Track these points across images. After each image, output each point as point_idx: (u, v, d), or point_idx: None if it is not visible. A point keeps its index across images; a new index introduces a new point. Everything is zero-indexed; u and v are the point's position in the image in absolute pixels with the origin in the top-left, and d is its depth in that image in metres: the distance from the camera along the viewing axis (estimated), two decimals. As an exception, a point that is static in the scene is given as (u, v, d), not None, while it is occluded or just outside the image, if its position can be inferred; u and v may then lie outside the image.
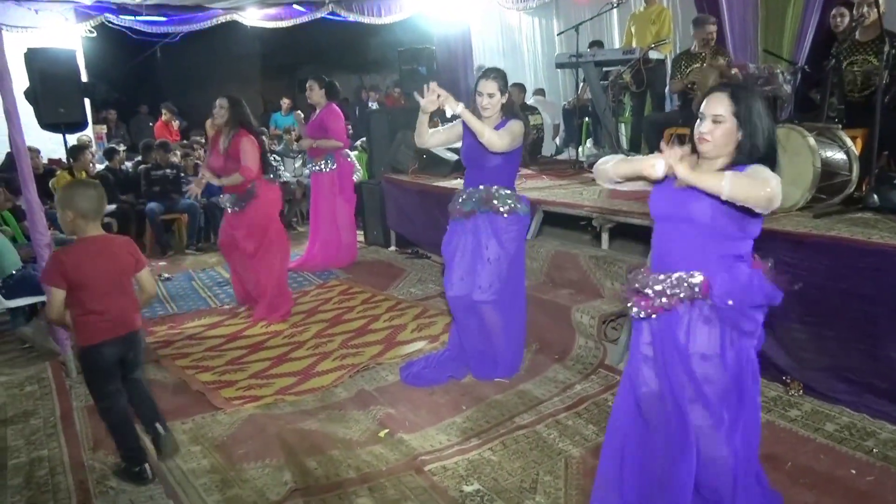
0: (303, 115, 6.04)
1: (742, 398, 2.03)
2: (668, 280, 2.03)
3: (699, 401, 2.01)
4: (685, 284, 2.00)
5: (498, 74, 3.33)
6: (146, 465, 2.79)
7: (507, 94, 3.33)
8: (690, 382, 2.02)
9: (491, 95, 3.27)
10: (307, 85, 5.83)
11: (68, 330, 3.08)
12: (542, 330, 4.00)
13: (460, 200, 3.44)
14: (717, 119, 1.98)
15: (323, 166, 5.90)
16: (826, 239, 3.13)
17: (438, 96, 3.22)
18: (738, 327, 2.01)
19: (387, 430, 3.09)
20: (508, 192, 3.37)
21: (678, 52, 6.92)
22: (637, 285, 2.11)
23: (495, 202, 3.32)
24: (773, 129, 1.99)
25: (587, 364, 3.68)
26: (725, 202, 1.89)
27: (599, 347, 3.74)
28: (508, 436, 3.00)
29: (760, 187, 1.83)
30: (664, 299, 2.03)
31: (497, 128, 3.28)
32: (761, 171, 1.91)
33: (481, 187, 3.36)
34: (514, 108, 3.42)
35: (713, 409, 2.01)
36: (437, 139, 3.54)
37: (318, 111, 5.91)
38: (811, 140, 3.55)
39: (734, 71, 4.89)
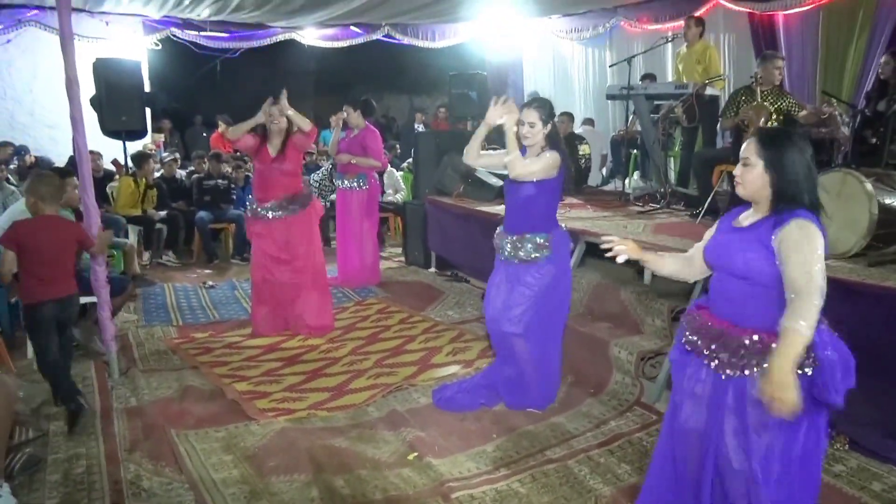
0: (344, 116, 6.06)
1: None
2: (751, 342, 1.93)
3: (747, 450, 1.94)
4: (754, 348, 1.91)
5: (541, 104, 3.34)
6: (80, 399, 3.34)
7: (549, 125, 3.31)
8: (744, 431, 1.94)
9: (532, 125, 3.28)
10: (343, 111, 5.96)
11: (12, 289, 3.84)
12: (578, 363, 3.95)
13: (497, 246, 3.49)
14: (745, 162, 2.00)
15: (355, 184, 5.98)
16: (880, 289, 3.02)
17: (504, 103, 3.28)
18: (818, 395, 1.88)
19: (416, 454, 3.07)
20: (534, 238, 3.33)
21: (733, 88, 6.84)
22: (698, 334, 2.05)
23: (520, 255, 3.35)
24: (809, 174, 1.93)
25: (623, 401, 3.60)
26: (766, 254, 1.88)
27: (636, 384, 3.66)
28: (538, 469, 2.95)
29: (812, 302, 1.78)
30: (739, 364, 1.95)
31: (537, 157, 3.30)
32: (794, 248, 1.83)
33: (514, 237, 3.37)
34: (557, 139, 3.39)
35: (760, 462, 1.92)
36: (484, 160, 3.58)
37: (356, 131, 6.02)
38: (868, 185, 3.45)
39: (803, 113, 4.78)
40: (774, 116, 4.77)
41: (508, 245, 3.41)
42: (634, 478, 2.85)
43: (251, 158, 4.83)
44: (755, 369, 1.92)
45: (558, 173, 3.32)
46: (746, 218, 2.06)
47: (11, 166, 7.51)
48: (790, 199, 1.92)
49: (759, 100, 4.84)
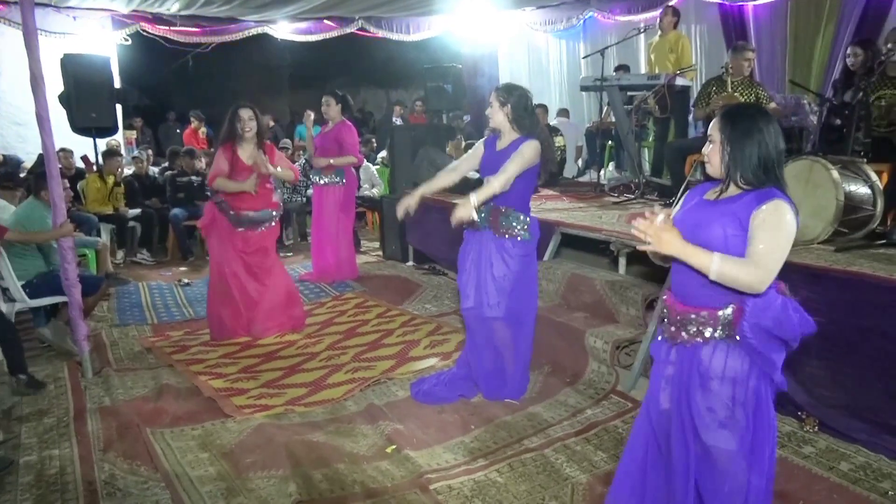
0: (312, 115, 6.07)
1: (759, 429, 2.00)
2: (698, 317, 1.99)
3: (723, 424, 1.98)
4: (717, 320, 1.97)
5: (501, 88, 3.37)
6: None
7: (508, 106, 3.29)
8: (710, 406, 1.98)
9: (490, 105, 3.34)
10: (323, 100, 5.91)
11: None
12: (555, 352, 3.98)
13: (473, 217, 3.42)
14: (711, 139, 2.02)
15: (332, 180, 5.94)
16: (847, 274, 3.09)
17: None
18: (763, 358, 1.95)
19: (394, 446, 3.08)
20: (517, 216, 3.35)
21: (705, 79, 6.92)
22: (665, 320, 2.09)
23: (502, 225, 3.34)
24: (770, 153, 1.93)
25: (599, 389, 3.64)
26: (743, 233, 1.90)
27: (612, 373, 3.71)
28: (516, 458, 2.98)
29: (751, 273, 1.83)
30: (695, 336, 2.00)
31: (510, 147, 3.29)
32: (770, 228, 1.86)
33: (491, 204, 3.35)
34: (532, 125, 3.35)
35: (736, 433, 1.97)
36: (460, 172, 3.56)
37: (331, 125, 5.98)
38: (835, 173, 3.51)
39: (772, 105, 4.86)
40: None
41: (483, 211, 3.34)
42: (610, 465, 2.88)
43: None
44: (707, 335, 1.98)
45: (540, 160, 3.32)
46: (715, 192, 2.06)
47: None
48: (753, 173, 1.93)
49: (730, 90, 4.91)
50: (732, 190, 2.00)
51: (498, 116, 3.33)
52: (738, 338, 1.95)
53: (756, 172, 1.93)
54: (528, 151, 3.25)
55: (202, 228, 4.72)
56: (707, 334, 1.99)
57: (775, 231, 1.87)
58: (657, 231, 1.90)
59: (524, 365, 3.61)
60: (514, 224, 3.34)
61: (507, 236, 3.35)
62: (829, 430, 3.04)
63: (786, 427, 3.10)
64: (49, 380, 3.91)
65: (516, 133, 3.34)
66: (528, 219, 3.38)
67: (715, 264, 1.85)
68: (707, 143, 2.04)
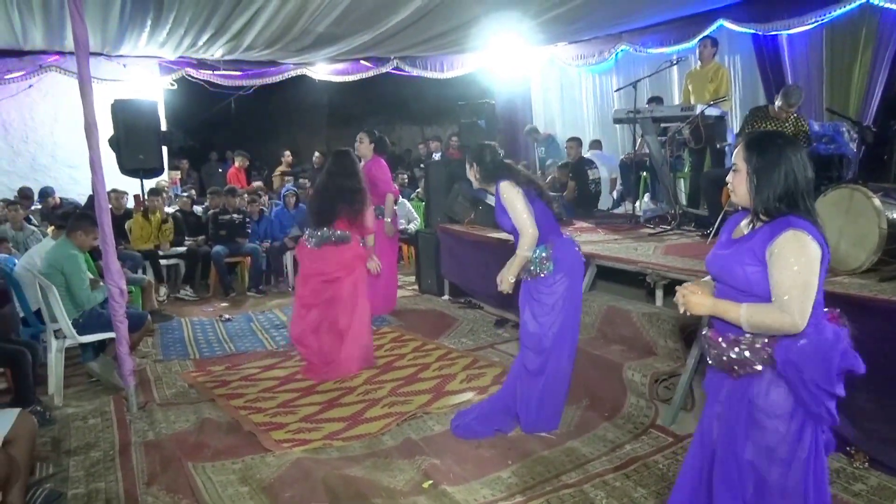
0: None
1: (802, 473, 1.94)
2: (741, 345, 1.96)
3: (771, 460, 1.94)
4: (756, 350, 1.94)
5: (469, 151, 3.71)
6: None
7: (474, 166, 3.56)
8: (750, 438, 1.95)
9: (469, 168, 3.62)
10: (357, 137, 6.00)
11: None
12: (592, 386, 3.94)
13: None
14: (735, 168, 2.01)
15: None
16: (892, 304, 3.00)
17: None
18: (804, 404, 1.90)
19: (431, 482, 3.07)
20: (540, 255, 3.41)
21: (738, 109, 6.88)
22: (712, 357, 2.07)
23: (531, 269, 3.44)
24: (796, 179, 1.90)
25: (638, 424, 3.58)
26: (762, 267, 1.89)
27: (651, 407, 3.65)
28: (554, 494, 2.94)
29: (778, 318, 1.83)
30: (744, 367, 1.98)
31: (497, 199, 3.46)
32: (783, 265, 1.84)
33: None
34: (495, 173, 3.49)
35: (784, 469, 1.93)
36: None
37: (363, 163, 6.09)
38: (876, 201, 3.45)
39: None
40: None
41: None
42: (651, 501, 2.83)
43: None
44: (758, 367, 1.94)
45: (524, 190, 3.40)
46: (745, 227, 2.05)
47: (34, 207, 7.72)
48: (776, 204, 1.90)
49: (773, 120, 4.93)
50: (757, 223, 1.98)
51: (471, 176, 3.63)
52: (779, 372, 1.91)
53: (778, 203, 1.90)
54: (509, 195, 3.39)
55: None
56: (759, 367, 1.94)
57: (789, 266, 1.83)
58: (686, 297, 2.00)
59: (563, 395, 3.59)
60: (539, 258, 3.42)
61: (531, 278, 3.46)
62: (880, 465, 2.94)
63: (835, 463, 3.00)
64: (96, 414, 4.03)
65: (492, 184, 3.52)
66: (546, 246, 3.42)
67: (743, 318, 1.88)
68: (731, 171, 2.03)
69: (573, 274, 3.49)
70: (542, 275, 3.41)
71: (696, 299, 1.98)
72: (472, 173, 3.60)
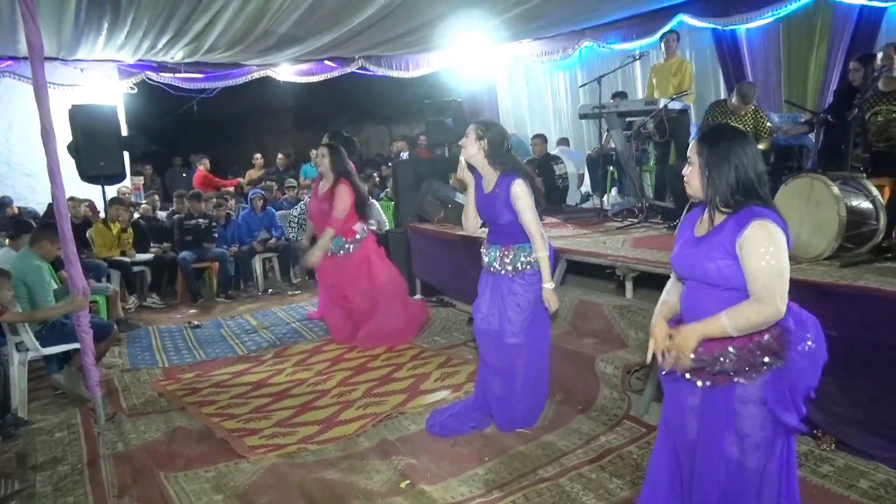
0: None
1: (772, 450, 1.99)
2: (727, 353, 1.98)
3: (757, 446, 1.98)
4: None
5: (481, 121, 3.45)
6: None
7: (484, 140, 3.33)
8: (743, 430, 1.99)
9: (466, 136, 3.39)
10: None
11: None
12: (566, 380, 3.97)
13: (485, 261, 3.55)
14: (690, 161, 2.06)
15: None
16: (854, 289, 3.08)
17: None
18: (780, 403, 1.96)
19: (408, 481, 3.06)
20: (523, 248, 3.40)
21: (697, 103, 6.99)
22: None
23: (510, 264, 3.41)
24: (748, 175, 1.95)
25: (612, 415, 3.62)
26: (734, 260, 1.92)
27: (624, 398, 3.69)
28: (531, 488, 2.95)
29: (760, 311, 1.88)
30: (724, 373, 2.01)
31: (499, 191, 3.34)
32: (756, 255, 1.87)
33: (499, 246, 3.44)
34: (503, 159, 3.37)
35: (765, 453, 1.98)
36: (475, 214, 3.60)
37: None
38: (835, 189, 3.53)
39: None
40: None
41: (498, 257, 3.44)
42: (627, 491, 2.86)
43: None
44: (736, 379, 1.97)
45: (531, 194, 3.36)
46: (703, 223, 2.08)
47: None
48: (731, 196, 1.95)
49: (734, 119, 5.04)
50: (717, 217, 2.02)
51: (472, 148, 3.36)
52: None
53: (735, 195, 1.95)
54: (524, 197, 3.30)
55: None
56: (736, 371, 1.98)
57: (761, 256, 1.87)
58: (671, 345, 2.00)
59: (540, 390, 3.61)
60: (522, 258, 3.40)
61: (514, 275, 3.42)
62: (846, 447, 3.01)
63: (802, 446, 3.07)
64: (62, 427, 3.93)
65: (493, 170, 3.37)
66: (528, 245, 3.40)
67: (728, 325, 1.90)
68: (686, 164, 2.07)
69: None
70: (526, 270, 3.40)
71: (681, 338, 1.98)
72: (475, 145, 3.34)
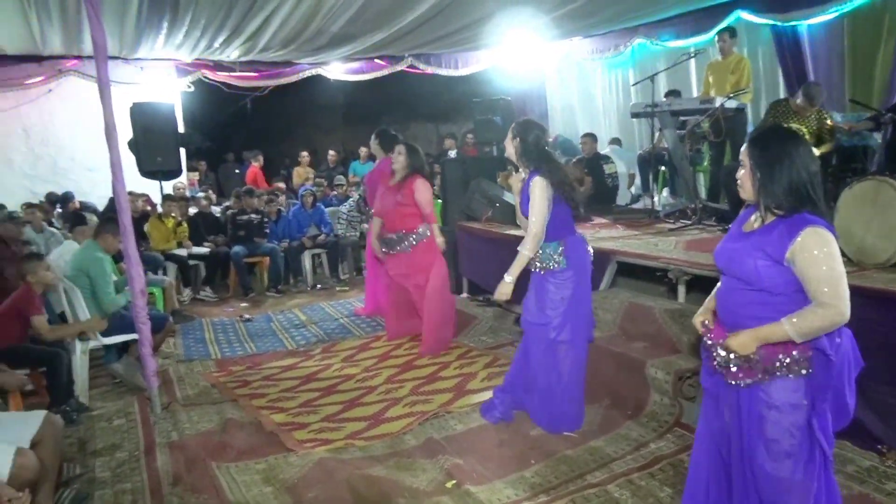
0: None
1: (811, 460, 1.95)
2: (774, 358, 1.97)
3: (788, 454, 1.96)
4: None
5: (519, 122, 3.58)
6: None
7: (517, 139, 3.46)
8: (761, 430, 1.98)
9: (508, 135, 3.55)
10: (372, 136, 5.95)
11: None
12: (614, 384, 3.90)
13: None
14: (742, 164, 2.04)
15: None
16: (922, 298, 2.94)
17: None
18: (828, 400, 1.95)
19: (454, 481, 3.06)
20: (550, 246, 3.43)
21: (764, 101, 6.78)
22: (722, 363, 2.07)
23: (540, 264, 3.47)
24: (801, 177, 1.92)
25: (662, 422, 3.55)
26: (774, 263, 1.91)
27: (675, 405, 3.60)
28: (578, 494, 2.92)
29: (825, 315, 1.85)
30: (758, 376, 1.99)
31: (525, 187, 3.43)
32: (819, 262, 1.85)
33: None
34: (534, 157, 3.43)
35: (800, 462, 1.95)
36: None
37: (377, 162, 6.08)
38: (904, 193, 3.37)
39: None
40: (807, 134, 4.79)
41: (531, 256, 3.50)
42: (677, 501, 2.80)
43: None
44: (766, 378, 1.97)
45: (553, 193, 3.38)
46: (755, 221, 2.06)
47: (57, 212, 7.82)
48: (783, 199, 1.92)
49: (798, 121, 4.88)
50: (767, 217, 1.99)
51: (509, 147, 3.53)
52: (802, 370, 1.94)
53: (787, 198, 1.92)
54: (536, 191, 3.36)
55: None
56: (764, 375, 1.97)
57: (824, 263, 1.85)
58: (733, 348, 1.99)
59: (580, 393, 3.58)
60: (551, 254, 3.43)
61: (544, 272, 3.46)
62: (912, 464, 2.88)
63: (865, 462, 2.95)
64: (121, 414, 4.07)
65: (525, 168, 3.49)
66: (558, 244, 3.43)
67: (791, 331, 1.88)
68: (740, 167, 2.04)
69: (582, 271, 3.50)
70: (555, 269, 3.43)
71: (738, 343, 1.98)
72: (510, 144, 3.51)
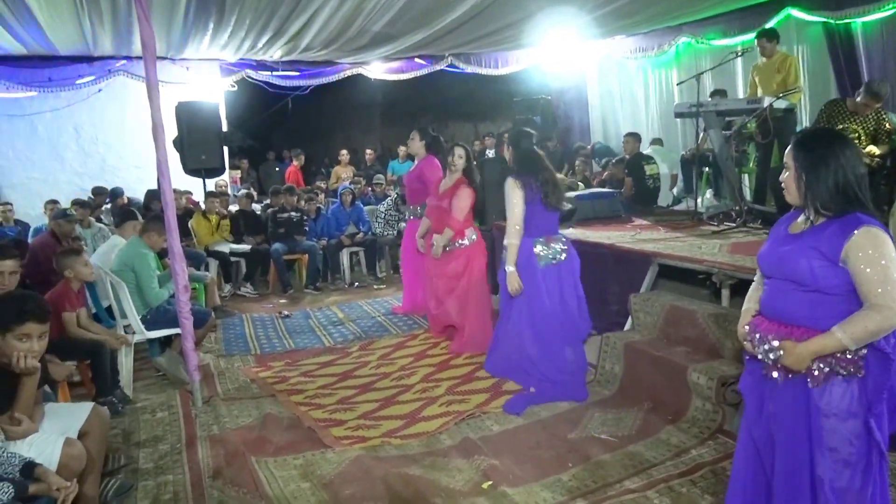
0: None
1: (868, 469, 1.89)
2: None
3: (846, 463, 1.90)
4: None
5: (508, 135, 4.39)
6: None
7: (510, 147, 4.29)
8: (819, 440, 1.92)
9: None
10: (410, 135, 5.99)
11: None
12: (654, 388, 3.84)
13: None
14: (786, 167, 2.00)
15: (420, 213, 5.98)
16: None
17: None
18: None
19: (490, 482, 3.05)
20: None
21: (809, 101, 6.58)
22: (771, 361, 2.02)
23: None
24: (848, 178, 1.87)
25: (704, 428, 3.47)
26: (829, 263, 1.86)
27: (718, 411, 3.52)
28: (616, 499, 2.87)
29: (881, 317, 1.78)
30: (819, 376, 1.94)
31: None
32: (873, 262, 1.80)
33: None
34: (520, 161, 4.19)
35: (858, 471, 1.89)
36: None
37: (416, 161, 6.07)
38: (965, 197, 3.24)
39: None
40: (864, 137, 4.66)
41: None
42: (719, 510, 2.73)
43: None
44: (820, 383, 1.92)
45: (526, 192, 4.02)
46: (804, 222, 2.01)
47: (106, 207, 8.05)
48: (830, 201, 1.88)
49: (855, 124, 4.74)
50: (816, 218, 1.95)
51: (506, 155, 4.31)
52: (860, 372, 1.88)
53: (835, 199, 1.88)
54: (507, 190, 4.01)
55: None
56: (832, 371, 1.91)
57: (876, 261, 1.80)
58: (788, 363, 1.94)
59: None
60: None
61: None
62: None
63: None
64: (164, 407, 4.16)
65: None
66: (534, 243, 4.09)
67: (845, 339, 1.82)
68: (784, 170, 2.00)
69: (521, 269, 4.09)
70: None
71: (793, 359, 1.92)
72: (508, 154, 4.22)
